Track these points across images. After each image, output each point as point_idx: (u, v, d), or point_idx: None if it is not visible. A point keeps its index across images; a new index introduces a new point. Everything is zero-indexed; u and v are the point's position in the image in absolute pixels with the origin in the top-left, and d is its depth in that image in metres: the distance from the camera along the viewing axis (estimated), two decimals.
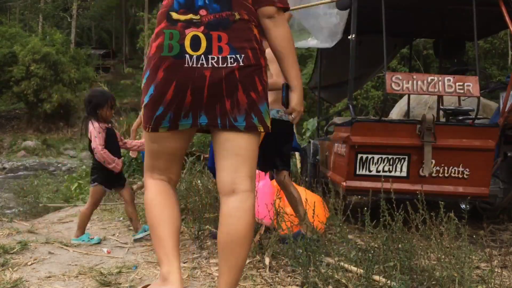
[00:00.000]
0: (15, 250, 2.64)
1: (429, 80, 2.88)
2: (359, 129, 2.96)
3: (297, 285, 2.01)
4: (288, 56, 1.60)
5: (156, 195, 1.64)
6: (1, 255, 2.54)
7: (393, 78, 2.87)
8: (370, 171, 2.97)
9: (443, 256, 1.87)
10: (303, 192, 3.09)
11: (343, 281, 1.88)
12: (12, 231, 3.21)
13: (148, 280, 2.18)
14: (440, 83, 2.88)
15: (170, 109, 1.50)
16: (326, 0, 3.46)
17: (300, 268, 2.14)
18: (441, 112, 4.58)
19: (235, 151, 1.54)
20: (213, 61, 1.45)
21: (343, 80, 5.67)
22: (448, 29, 4.42)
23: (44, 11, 30.68)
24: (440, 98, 4.88)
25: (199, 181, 3.42)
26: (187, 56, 1.45)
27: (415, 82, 2.87)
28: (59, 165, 17.75)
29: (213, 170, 2.76)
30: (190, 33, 1.46)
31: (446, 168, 2.96)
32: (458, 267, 1.82)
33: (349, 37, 3.38)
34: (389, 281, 1.83)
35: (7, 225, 3.51)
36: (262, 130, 1.56)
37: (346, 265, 2.04)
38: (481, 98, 3.04)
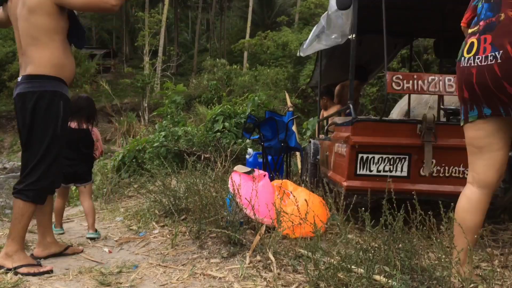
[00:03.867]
0: None
1: (429, 79, 2.88)
2: (360, 129, 2.96)
3: (298, 285, 2.01)
4: None
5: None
6: None
7: (394, 78, 2.86)
8: (370, 171, 2.97)
9: (443, 256, 1.87)
10: (303, 192, 3.09)
11: (344, 281, 1.88)
12: None
13: (149, 280, 2.18)
14: (440, 82, 2.87)
15: (462, 103, 1.91)
16: None
17: (301, 268, 2.14)
18: (442, 112, 4.57)
19: None
20: (477, 61, 1.76)
21: (343, 80, 5.68)
22: (448, 28, 4.42)
23: None
24: (440, 98, 4.88)
25: (198, 181, 3.42)
26: (462, 58, 1.85)
27: (415, 81, 2.87)
28: None
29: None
30: (469, 41, 1.84)
31: (446, 167, 2.95)
32: (458, 266, 1.81)
33: (349, 37, 3.38)
34: (389, 281, 1.83)
35: (8, 225, 3.50)
36: None
37: (347, 265, 2.04)
38: None
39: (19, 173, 2.43)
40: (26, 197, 2.30)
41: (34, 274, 2.24)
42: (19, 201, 2.30)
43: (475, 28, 1.84)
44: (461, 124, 1.97)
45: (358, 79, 5.10)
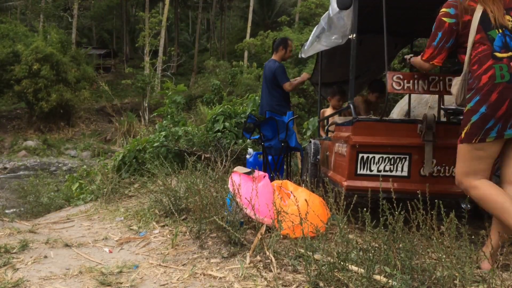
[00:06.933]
0: (16, 249, 2.65)
1: (430, 79, 2.88)
2: (360, 129, 2.96)
3: (298, 285, 2.01)
4: None
5: (491, 187, 2.16)
6: (2, 255, 2.54)
7: (394, 78, 2.86)
8: (371, 170, 2.97)
9: (444, 256, 1.87)
10: (304, 192, 3.09)
11: (344, 280, 1.88)
12: (13, 231, 3.21)
13: (149, 280, 2.18)
14: (441, 82, 2.87)
15: (500, 121, 2.11)
16: None
17: (301, 268, 2.14)
18: (442, 112, 4.57)
19: None
20: None
21: (343, 80, 5.67)
22: None
23: (45, 10, 30.64)
24: (441, 98, 4.87)
25: (199, 181, 3.42)
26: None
27: (416, 81, 2.87)
28: (60, 165, 17.77)
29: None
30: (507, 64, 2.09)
31: (447, 167, 2.95)
32: (459, 266, 1.82)
33: (349, 36, 3.37)
34: (390, 281, 1.83)
35: (8, 225, 3.51)
36: None
37: (347, 265, 2.04)
38: None
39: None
40: None
41: None
42: None
43: (509, 53, 2.11)
44: (489, 140, 2.16)
45: (379, 91, 5.04)
